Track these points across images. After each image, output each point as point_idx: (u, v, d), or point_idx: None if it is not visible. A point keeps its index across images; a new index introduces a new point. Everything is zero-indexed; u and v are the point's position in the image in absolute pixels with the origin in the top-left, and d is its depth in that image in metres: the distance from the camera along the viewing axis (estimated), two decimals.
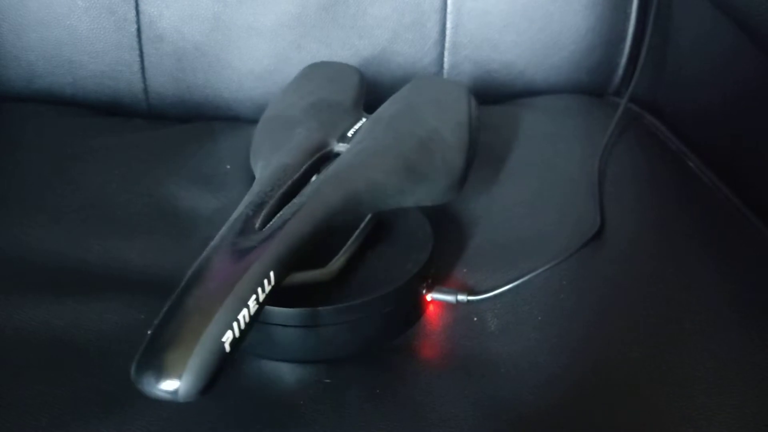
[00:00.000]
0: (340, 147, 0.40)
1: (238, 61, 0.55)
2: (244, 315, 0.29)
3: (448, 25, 0.56)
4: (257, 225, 0.33)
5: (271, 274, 0.31)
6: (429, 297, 0.38)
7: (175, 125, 0.54)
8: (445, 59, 0.57)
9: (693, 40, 0.55)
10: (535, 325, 0.37)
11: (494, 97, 0.58)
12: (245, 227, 0.33)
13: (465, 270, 0.41)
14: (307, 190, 0.36)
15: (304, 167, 0.38)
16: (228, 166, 0.49)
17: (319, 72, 0.49)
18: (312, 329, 0.35)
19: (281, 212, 0.34)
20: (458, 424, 0.33)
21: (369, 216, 0.39)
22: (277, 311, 0.34)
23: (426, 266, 0.37)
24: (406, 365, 0.36)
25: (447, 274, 0.40)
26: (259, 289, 0.30)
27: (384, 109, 0.43)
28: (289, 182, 0.37)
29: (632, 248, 0.42)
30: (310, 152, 0.39)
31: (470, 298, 0.38)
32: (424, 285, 0.38)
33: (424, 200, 0.39)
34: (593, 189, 0.46)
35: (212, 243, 0.32)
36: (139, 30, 0.54)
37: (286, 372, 0.35)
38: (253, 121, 0.56)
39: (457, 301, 0.38)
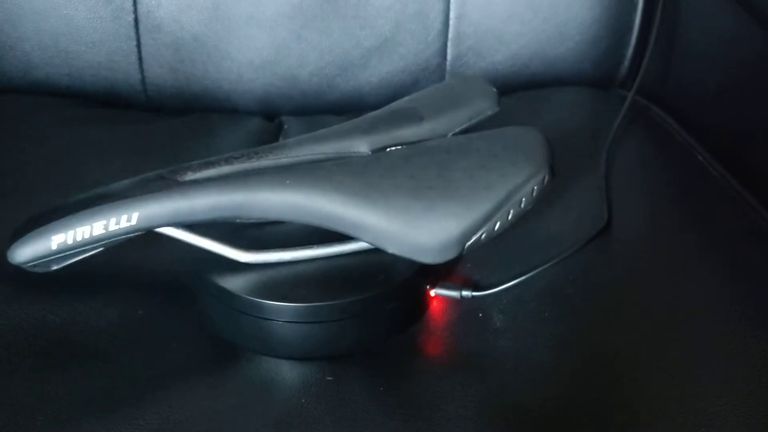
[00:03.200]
0: (360, 150, 0.38)
1: (238, 52, 0.55)
2: (83, 231, 0.34)
3: (452, 15, 0.56)
4: (186, 176, 0.36)
5: (135, 215, 0.34)
6: (433, 292, 0.38)
7: (173, 117, 0.54)
8: (449, 50, 0.57)
9: (702, 31, 0.54)
10: (542, 321, 0.37)
11: (498, 89, 0.57)
12: (175, 173, 0.36)
13: (469, 265, 0.40)
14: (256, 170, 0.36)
15: (305, 154, 0.38)
16: None
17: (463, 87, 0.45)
18: (314, 325, 0.35)
19: (213, 176, 0.36)
20: (463, 422, 0.32)
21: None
22: (279, 307, 0.34)
23: None
24: (410, 362, 0.36)
25: (451, 269, 0.40)
26: (113, 220, 0.34)
27: (437, 143, 0.39)
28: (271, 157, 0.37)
29: (640, 243, 0.42)
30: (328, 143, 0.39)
31: (475, 293, 0.38)
32: (428, 280, 0.37)
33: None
34: (600, 183, 0.46)
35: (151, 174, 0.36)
36: (136, 20, 0.54)
37: (287, 369, 0.35)
38: (252, 112, 0.56)
39: (461, 296, 0.38)
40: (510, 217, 0.36)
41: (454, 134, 0.40)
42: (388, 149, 0.38)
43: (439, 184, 0.35)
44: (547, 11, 0.56)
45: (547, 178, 0.36)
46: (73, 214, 0.34)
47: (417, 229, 0.35)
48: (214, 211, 0.35)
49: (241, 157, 0.37)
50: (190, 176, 0.36)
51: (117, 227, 0.34)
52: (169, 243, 0.41)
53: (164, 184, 0.35)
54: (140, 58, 0.55)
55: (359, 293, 0.35)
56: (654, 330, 0.36)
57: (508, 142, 0.38)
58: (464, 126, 0.41)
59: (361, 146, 0.39)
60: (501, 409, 0.33)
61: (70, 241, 0.34)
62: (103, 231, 0.34)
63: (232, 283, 0.35)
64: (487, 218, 0.35)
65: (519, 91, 0.58)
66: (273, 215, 0.36)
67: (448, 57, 0.57)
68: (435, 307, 0.38)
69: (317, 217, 0.35)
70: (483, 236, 0.35)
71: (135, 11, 0.54)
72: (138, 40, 0.54)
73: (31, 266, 0.35)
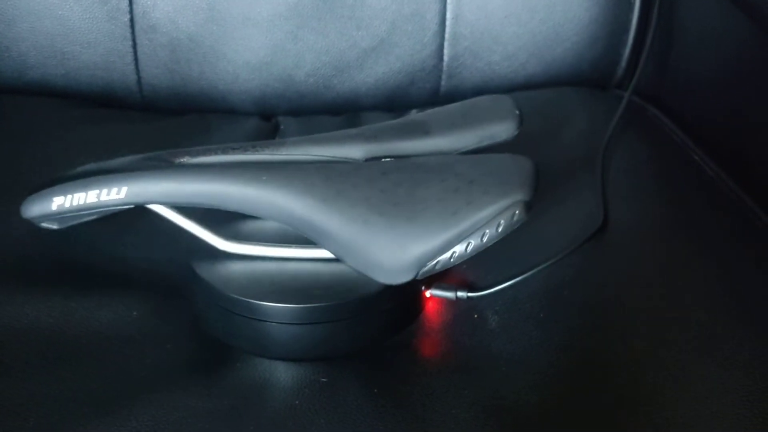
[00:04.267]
0: (355, 157, 0.39)
1: (234, 53, 0.55)
2: (79, 197, 0.38)
3: (448, 15, 0.56)
4: (182, 159, 0.38)
5: (124, 189, 0.37)
6: (428, 293, 0.38)
7: (169, 117, 0.54)
8: (445, 51, 0.57)
9: (698, 31, 0.55)
10: (537, 322, 0.37)
11: (495, 89, 0.58)
12: (174, 155, 0.38)
13: (465, 266, 0.40)
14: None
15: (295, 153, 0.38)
16: None
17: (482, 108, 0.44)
18: (309, 326, 0.35)
19: (203, 163, 0.38)
20: (458, 424, 0.32)
21: None
22: (274, 308, 0.34)
23: None
24: (405, 363, 0.36)
25: (447, 269, 0.39)
26: (105, 191, 0.37)
27: (424, 160, 0.38)
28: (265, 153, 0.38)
29: (636, 243, 0.42)
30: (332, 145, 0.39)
31: (470, 294, 0.38)
32: (424, 281, 0.37)
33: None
34: (596, 183, 0.46)
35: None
36: (132, 20, 0.54)
37: (281, 371, 0.35)
38: (248, 113, 0.56)
39: (457, 297, 0.38)
40: (469, 248, 0.34)
41: (459, 154, 0.40)
42: (381, 159, 0.38)
43: (406, 203, 0.34)
44: (544, 12, 0.56)
45: (517, 214, 0.34)
46: (73, 181, 0.38)
47: (372, 246, 0.34)
48: (195, 196, 0.36)
49: (239, 148, 0.38)
50: (185, 160, 0.38)
51: (107, 198, 0.37)
52: (163, 240, 0.42)
53: (158, 164, 0.37)
54: (136, 59, 0.55)
55: (354, 294, 0.35)
56: (649, 330, 0.36)
57: (492, 168, 0.36)
58: (472, 147, 0.40)
59: (358, 153, 0.39)
60: (496, 409, 0.33)
61: (67, 205, 0.38)
62: (96, 200, 0.37)
63: (226, 284, 0.35)
64: (445, 246, 0.34)
65: (516, 92, 0.58)
66: (248, 209, 0.36)
67: (445, 58, 0.57)
68: (430, 307, 0.38)
69: (285, 217, 0.36)
70: (438, 265, 0.34)
71: (131, 12, 0.54)
72: (134, 40, 0.54)
73: (38, 222, 0.39)
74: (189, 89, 0.56)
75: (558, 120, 0.54)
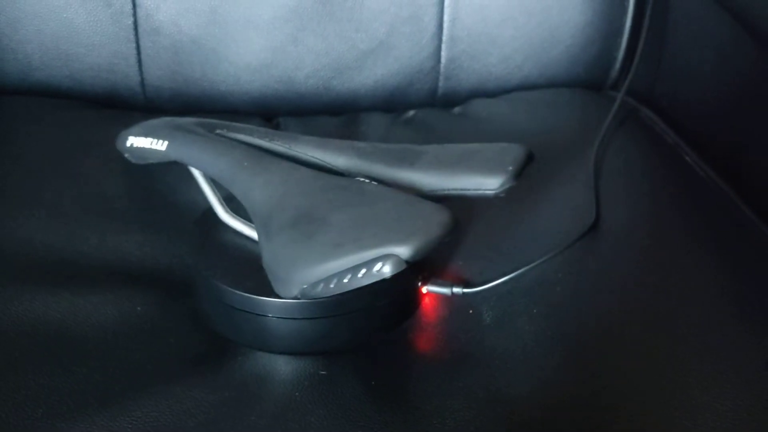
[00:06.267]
0: (339, 167, 0.40)
1: (235, 55, 0.55)
2: (141, 140, 0.44)
3: (446, 18, 0.56)
4: (218, 131, 0.43)
5: (165, 143, 0.43)
6: (425, 289, 0.38)
7: None
8: (443, 53, 0.57)
9: (690, 34, 0.55)
10: (530, 317, 0.37)
11: (491, 90, 0.58)
12: (216, 126, 0.44)
13: (461, 262, 0.41)
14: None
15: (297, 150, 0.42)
16: None
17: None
18: (308, 321, 0.35)
19: (223, 139, 0.43)
20: (452, 415, 0.33)
21: None
22: (273, 303, 0.35)
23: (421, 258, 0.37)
24: (402, 357, 0.36)
25: (443, 266, 0.40)
26: (154, 141, 0.43)
27: (373, 187, 0.37)
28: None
29: (627, 241, 0.42)
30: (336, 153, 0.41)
31: (465, 290, 0.38)
32: (420, 277, 0.38)
33: None
34: (589, 182, 0.46)
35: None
36: (135, 23, 0.54)
37: (281, 364, 0.35)
38: (249, 114, 0.57)
39: (452, 293, 0.38)
40: (333, 285, 0.32)
41: (434, 194, 0.38)
42: (356, 177, 0.39)
43: (317, 222, 0.34)
44: (540, 15, 0.56)
45: (383, 267, 0.31)
46: (144, 126, 0.45)
47: (270, 254, 0.34)
48: (199, 164, 0.41)
49: (260, 132, 0.43)
50: (223, 132, 0.43)
51: (155, 147, 0.43)
52: (167, 239, 0.42)
53: (200, 130, 0.43)
54: (139, 61, 0.55)
55: (354, 290, 0.34)
56: (641, 325, 0.37)
57: (407, 214, 0.34)
58: (449, 192, 0.38)
59: (345, 165, 0.40)
60: (489, 400, 0.33)
61: (135, 145, 0.44)
62: (149, 146, 0.43)
63: (228, 280, 0.36)
64: (321, 273, 0.33)
65: (512, 93, 0.58)
66: (229, 188, 0.39)
67: (442, 60, 0.57)
68: (427, 303, 0.38)
69: (246, 203, 0.38)
70: (319, 289, 0.33)
71: (134, 15, 0.54)
72: (137, 43, 0.55)
73: (123, 153, 0.45)
74: (191, 90, 0.56)
75: (553, 120, 0.54)
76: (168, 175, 0.47)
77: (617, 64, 0.59)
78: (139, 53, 0.55)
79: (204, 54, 0.55)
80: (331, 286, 0.32)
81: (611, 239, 0.42)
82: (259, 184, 0.37)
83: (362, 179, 0.38)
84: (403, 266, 0.32)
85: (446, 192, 0.38)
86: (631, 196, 0.46)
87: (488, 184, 0.38)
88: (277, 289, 0.34)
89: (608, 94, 0.60)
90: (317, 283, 0.33)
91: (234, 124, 0.44)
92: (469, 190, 0.38)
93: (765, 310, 0.38)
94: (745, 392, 0.33)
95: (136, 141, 0.44)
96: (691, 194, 0.47)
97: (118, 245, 0.42)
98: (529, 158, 0.40)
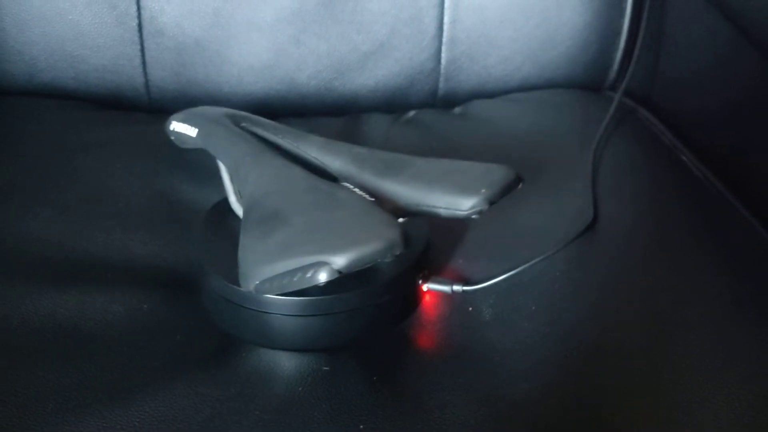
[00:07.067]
0: (333, 170, 0.41)
1: (238, 56, 0.56)
2: (181, 126, 0.47)
3: (446, 20, 0.56)
4: (242, 125, 0.46)
5: (195, 131, 0.46)
6: (425, 287, 0.38)
7: None
8: (443, 54, 0.57)
9: (687, 35, 0.55)
10: (529, 314, 0.38)
11: (491, 92, 0.59)
12: (243, 119, 0.46)
13: (461, 260, 0.41)
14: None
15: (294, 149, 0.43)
16: None
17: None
18: (311, 318, 0.36)
19: (239, 130, 0.45)
20: (453, 410, 0.33)
21: None
22: (277, 300, 0.35)
23: (422, 256, 0.38)
24: (403, 354, 0.36)
25: (443, 264, 0.41)
26: (188, 127, 0.47)
27: (347, 193, 0.37)
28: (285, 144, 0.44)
29: (625, 240, 0.43)
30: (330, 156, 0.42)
31: (465, 288, 0.38)
32: (421, 275, 0.38)
33: None
34: (587, 181, 0.46)
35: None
36: (140, 25, 0.55)
37: (285, 360, 0.36)
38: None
39: (452, 291, 0.38)
40: (274, 285, 0.33)
41: (408, 209, 0.38)
42: (339, 182, 0.40)
43: (280, 221, 0.34)
44: (539, 17, 0.57)
45: (314, 274, 0.32)
46: (185, 114, 0.48)
47: (240, 247, 0.35)
48: (217, 153, 0.43)
49: (275, 128, 0.45)
50: (243, 125, 0.45)
51: (187, 132, 0.46)
52: (171, 237, 0.42)
53: (226, 121, 0.45)
54: (144, 62, 0.55)
55: (355, 288, 0.35)
56: (639, 323, 0.37)
57: (364, 222, 0.34)
58: (422, 209, 0.37)
59: (339, 168, 0.40)
60: (488, 397, 0.33)
61: (177, 129, 0.47)
62: (184, 132, 0.46)
63: (234, 279, 0.36)
64: (268, 275, 0.33)
65: (511, 93, 0.58)
66: (235, 178, 0.41)
67: (443, 61, 0.57)
68: (427, 301, 0.39)
69: (243, 197, 0.39)
70: (271, 286, 0.33)
71: (139, 17, 0.54)
72: (142, 44, 0.55)
73: (169, 137, 0.48)
74: (195, 91, 0.56)
75: (551, 120, 0.54)
76: (173, 174, 0.48)
77: (615, 66, 0.59)
78: (143, 55, 0.55)
79: (207, 55, 0.55)
80: (274, 285, 0.33)
81: (609, 238, 0.43)
82: (252, 179, 0.38)
83: (346, 185, 0.39)
84: (335, 275, 0.31)
85: (420, 208, 0.37)
86: (628, 195, 0.47)
87: (460, 204, 0.37)
88: (240, 281, 0.35)
89: (606, 94, 0.60)
90: (265, 281, 0.33)
91: (258, 118, 0.46)
92: (440, 208, 0.37)
93: (762, 309, 0.38)
94: (743, 391, 0.34)
95: (177, 126, 0.47)
96: (688, 194, 0.47)
97: (124, 244, 0.42)
98: (516, 182, 0.38)
